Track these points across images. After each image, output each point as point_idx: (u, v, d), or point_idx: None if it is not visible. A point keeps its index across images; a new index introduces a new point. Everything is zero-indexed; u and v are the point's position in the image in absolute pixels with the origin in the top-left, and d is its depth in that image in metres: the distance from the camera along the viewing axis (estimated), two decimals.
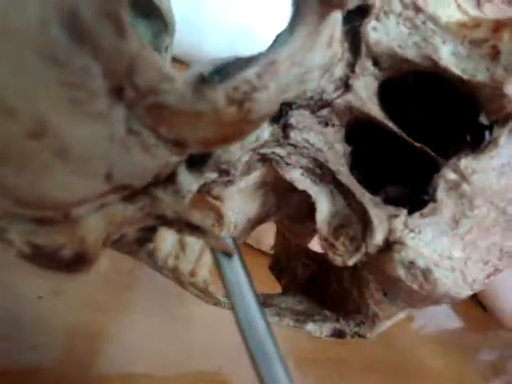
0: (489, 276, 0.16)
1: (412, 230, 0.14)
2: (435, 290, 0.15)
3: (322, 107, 0.15)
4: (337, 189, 0.15)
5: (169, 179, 0.13)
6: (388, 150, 0.18)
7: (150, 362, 0.31)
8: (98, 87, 0.09)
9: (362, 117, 0.15)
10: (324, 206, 0.15)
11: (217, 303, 0.18)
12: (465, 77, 0.14)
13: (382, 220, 0.14)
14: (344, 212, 0.15)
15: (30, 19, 0.08)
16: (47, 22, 0.08)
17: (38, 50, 0.08)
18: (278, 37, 0.15)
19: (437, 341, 0.51)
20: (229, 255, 0.14)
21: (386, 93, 0.16)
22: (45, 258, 0.11)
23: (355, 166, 0.17)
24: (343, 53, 0.14)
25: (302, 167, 0.15)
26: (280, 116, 0.15)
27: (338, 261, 0.14)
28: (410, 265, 0.14)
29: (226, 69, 0.11)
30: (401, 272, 0.14)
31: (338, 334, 0.19)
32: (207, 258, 0.17)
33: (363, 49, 0.15)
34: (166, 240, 0.16)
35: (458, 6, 0.16)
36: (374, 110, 0.15)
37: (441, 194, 0.14)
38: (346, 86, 0.15)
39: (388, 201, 0.15)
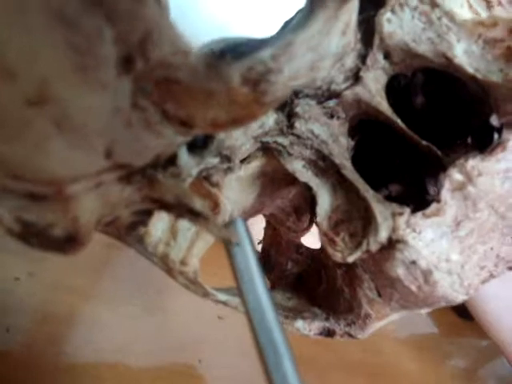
0: (483, 281, 0.16)
1: (413, 230, 0.14)
2: (433, 293, 0.14)
3: (330, 98, 0.14)
4: (339, 183, 0.15)
5: (169, 161, 0.12)
6: (386, 148, 0.18)
7: (124, 351, 0.30)
8: (107, 54, 0.08)
9: (370, 111, 0.15)
10: (325, 200, 0.15)
11: (206, 295, 0.17)
12: (479, 76, 0.13)
13: (387, 217, 0.13)
14: (345, 207, 0.15)
15: None
16: None
17: (47, 5, 0.07)
18: (290, 20, 0.14)
19: (413, 345, 0.51)
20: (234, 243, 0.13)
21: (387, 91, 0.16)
22: (34, 236, 0.10)
23: (353, 163, 0.16)
24: (356, 43, 0.14)
25: (304, 159, 0.15)
26: (285, 104, 0.15)
27: (337, 257, 0.14)
28: (411, 265, 0.14)
29: (239, 48, 0.11)
30: (400, 271, 0.14)
31: (327, 333, 0.18)
32: (200, 246, 0.16)
33: (376, 40, 0.14)
34: (157, 226, 0.15)
35: (470, 6, 0.16)
36: (383, 104, 0.14)
37: (445, 194, 0.14)
38: (355, 77, 0.14)
39: (390, 199, 0.15)
